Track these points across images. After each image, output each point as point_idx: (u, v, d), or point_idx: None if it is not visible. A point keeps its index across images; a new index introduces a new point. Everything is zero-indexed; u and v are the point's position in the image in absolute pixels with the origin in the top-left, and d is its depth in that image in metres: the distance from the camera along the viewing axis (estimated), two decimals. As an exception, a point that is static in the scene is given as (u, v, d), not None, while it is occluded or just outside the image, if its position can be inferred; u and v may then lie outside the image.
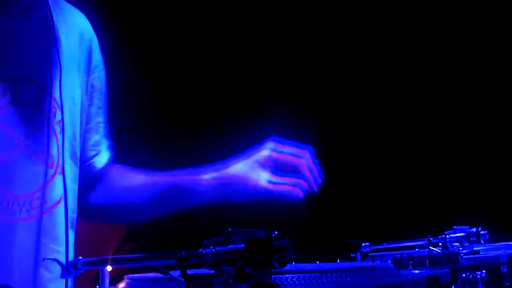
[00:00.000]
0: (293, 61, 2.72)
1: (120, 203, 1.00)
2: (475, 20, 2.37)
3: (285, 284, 0.56)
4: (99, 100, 1.01)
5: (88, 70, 0.98)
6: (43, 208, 0.86)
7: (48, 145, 0.88)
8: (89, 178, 1.00)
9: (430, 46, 2.48)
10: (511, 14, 2.31)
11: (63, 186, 0.88)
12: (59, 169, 0.88)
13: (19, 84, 0.85)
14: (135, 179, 1.01)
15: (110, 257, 0.62)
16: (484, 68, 2.40)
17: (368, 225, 2.34)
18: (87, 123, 0.99)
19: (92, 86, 0.99)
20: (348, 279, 0.57)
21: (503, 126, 2.38)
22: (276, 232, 0.50)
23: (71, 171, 0.92)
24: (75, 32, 0.97)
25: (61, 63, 0.91)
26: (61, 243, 0.89)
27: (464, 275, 0.76)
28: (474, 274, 0.78)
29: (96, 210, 1.00)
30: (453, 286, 0.73)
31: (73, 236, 0.92)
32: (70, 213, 0.88)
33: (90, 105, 0.99)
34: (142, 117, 2.92)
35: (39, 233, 0.86)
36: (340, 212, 2.55)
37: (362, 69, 2.62)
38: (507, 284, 0.86)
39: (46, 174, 0.87)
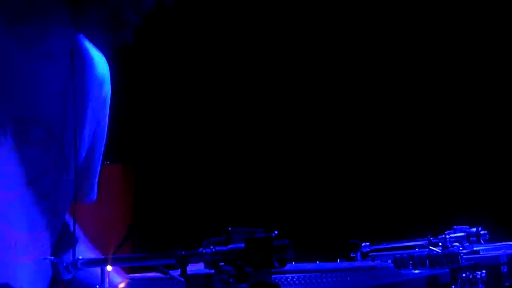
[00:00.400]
0: (293, 61, 2.72)
1: None
2: (475, 20, 2.37)
3: (285, 284, 0.56)
4: (98, 143, 1.01)
5: (98, 115, 0.98)
6: (41, 251, 0.88)
7: (51, 188, 0.88)
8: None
9: (430, 46, 2.48)
10: (511, 14, 2.31)
11: (55, 227, 0.89)
12: (57, 214, 0.89)
13: (30, 126, 0.85)
14: None
15: (110, 256, 0.62)
16: (484, 68, 2.40)
17: (368, 225, 2.34)
18: (86, 164, 0.99)
19: (98, 131, 0.99)
20: (348, 278, 0.57)
21: (503, 126, 2.38)
22: (276, 232, 0.50)
23: (63, 214, 0.93)
24: (93, 78, 0.96)
25: (77, 107, 0.90)
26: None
27: (464, 275, 0.76)
28: (474, 274, 0.78)
29: None
30: (453, 286, 0.73)
31: None
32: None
33: (93, 147, 0.99)
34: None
35: (39, 273, 0.87)
36: (340, 212, 2.55)
37: (363, 69, 2.62)
38: (507, 284, 0.86)
39: (45, 217, 0.88)
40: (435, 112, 2.50)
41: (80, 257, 0.63)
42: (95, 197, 1.04)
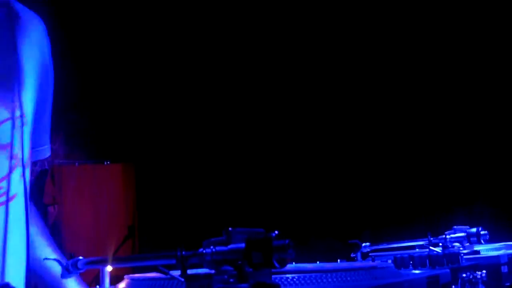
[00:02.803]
0: (293, 62, 2.72)
1: None
2: (475, 20, 2.37)
3: (286, 284, 0.56)
4: (49, 99, 1.02)
5: (40, 69, 1.00)
6: (8, 196, 0.88)
7: (12, 137, 0.89)
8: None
9: (430, 46, 2.48)
10: (511, 14, 2.31)
11: (23, 178, 0.89)
12: (20, 162, 0.90)
13: None
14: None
15: (111, 257, 0.62)
16: (486, 68, 2.40)
17: (368, 226, 2.34)
18: (39, 119, 1.00)
19: (43, 85, 1.01)
20: (349, 279, 0.57)
21: (503, 129, 2.38)
22: (276, 232, 0.50)
23: (29, 164, 0.93)
24: (30, 31, 0.98)
25: (19, 58, 0.92)
26: (20, 234, 0.90)
27: (464, 275, 0.76)
28: (475, 274, 0.78)
29: None
30: (453, 286, 0.73)
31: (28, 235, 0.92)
32: (28, 211, 0.89)
33: (42, 102, 1.00)
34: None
35: (6, 220, 0.86)
36: (340, 212, 2.55)
37: (363, 68, 2.61)
38: (507, 284, 0.86)
39: (10, 164, 0.88)
40: (436, 115, 2.49)
41: (81, 257, 0.63)
42: (49, 153, 1.04)
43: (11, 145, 0.89)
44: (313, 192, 2.63)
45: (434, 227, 1.01)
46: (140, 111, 2.95)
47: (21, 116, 0.91)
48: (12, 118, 0.90)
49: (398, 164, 2.51)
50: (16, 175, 0.90)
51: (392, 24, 2.52)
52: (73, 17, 2.51)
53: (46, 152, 1.02)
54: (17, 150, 0.90)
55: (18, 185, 0.90)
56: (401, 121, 2.54)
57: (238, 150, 2.81)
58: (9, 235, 0.88)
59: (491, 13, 2.35)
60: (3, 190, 0.87)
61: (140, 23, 2.77)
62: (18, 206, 0.90)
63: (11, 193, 0.89)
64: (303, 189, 2.66)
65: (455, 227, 0.99)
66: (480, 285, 0.79)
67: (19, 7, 0.99)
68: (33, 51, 0.97)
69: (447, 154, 2.45)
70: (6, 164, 0.88)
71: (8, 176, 0.88)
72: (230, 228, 0.53)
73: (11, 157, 0.89)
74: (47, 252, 0.99)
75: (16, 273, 0.88)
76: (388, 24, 2.53)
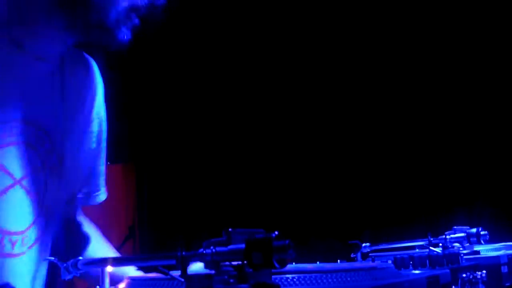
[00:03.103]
0: (292, 62, 2.72)
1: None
2: (475, 20, 2.37)
3: (286, 285, 0.56)
4: (101, 147, 1.03)
5: (91, 117, 1.00)
6: (29, 244, 0.89)
7: (40, 186, 0.90)
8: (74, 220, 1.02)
9: (430, 46, 2.48)
10: (511, 14, 2.31)
11: (46, 225, 0.91)
12: (45, 209, 0.91)
13: (20, 126, 0.87)
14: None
15: (111, 257, 0.62)
16: (486, 67, 2.40)
17: (369, 225, 2.34)
18: (91, 166, 1.01)
19: (94, 132, 1.01)
20: (349, 279, 0.58)
21: (503, 129, 2.38)
22: (276, 232, 0.50)
23: (57, 211, 0.95)
24: (83, 79, 0.98)
25: (66, 110, 0.93)
26: (40, 279, 0.92)
27: (464, 275, 0.76)
28: (475, 275, 0.78)
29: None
30: (453, 287, 0.73)
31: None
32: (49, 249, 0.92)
33: (93, 149, 1.01)
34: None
35: (24, 268, 0.88)
36: (340, 213, 2.55)
37: (363, 69, 2.62)
38: (508, 284, 0.86)
39: (34, 213, 0.89)
40: (435, 115, 2.50)
41: (81, 257, 0.64)
42: (104, 198, 1.06)
43: (39, 193, 0.89)
44: (313, 193, 2.63)
45: (434, 227, 1.01)
46: (140, 111, 2.95)
47: (54, 166, 0.91)
48: (43, 168, 0.90)
49: (398, 164, 2.51)
50: (40, 223, 0.90)
51: (392, 24, 2.52)
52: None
53: (102, 196, 1.05)
54: (42, 199, 0.90)
55: (41, 232, 0.90)
56: (401, 122, 2.55)
57: (238, 150, 2.82)
58: (30, 280, 0.88)
59: (491, 13, 2.35)
60: (28, 238, 0.88)
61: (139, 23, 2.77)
62: (41, 251, 0.90)
63: (32, 241, 0.89)
64: (303, 190, 2.66)
65: (455, 227, 0.99)
66: (480, 285, 0.79)
67: (76, 55, 0.97)
68: (83, 100, 0.97)
69: (447, 154, 2.45)
70: (33, 213, 0.89)
71: (33, 224, 0.89)
72: (230, 229, 0.53)
73: (38, 206, 0.89)
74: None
75: None
76: (388, 24, 2.53)
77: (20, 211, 0.87)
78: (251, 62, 2.76)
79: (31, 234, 0.89)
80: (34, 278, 0.90)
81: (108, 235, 1.10)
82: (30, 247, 0.88)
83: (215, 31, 2.76)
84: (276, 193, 2.68)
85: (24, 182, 0.87)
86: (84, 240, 1.02)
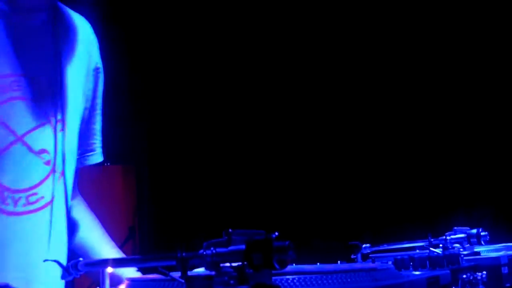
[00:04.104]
0: (293, 62, 2.72)
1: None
2: (475, 20, 2.37)
3: (286, 286, 0.56)
4: (96, 103, 1.02)
5: (87, 73, 0.99)
6: (42, 203, 0.86)
7: (47, 142, 0.88)
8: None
9: (430, 46, 2.48)
10: (511, 14, 2.31)
11: (64, 184, 0.89)
12: (56, 167, 0.89)
13: (21, 81, 0.86)
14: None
15: (111, 258, 0.62)
16: (486, 68, 2.40)
17: (369, 226, 2.34)
18: (85, 124, 1.00)
19: (90, 89, 1.00)
20: (349, 280, 0.57)
21: (503, 130, 2.38)
22: (276, 233, 0.50)
23: (69, 169, 0.92)
24: (77, 35, 0.98)
25: (63, 63, 0.92)
26: (61, 239, 0.89)
27: (464, 276, 0.76)
28: (475, 275, 0.78)
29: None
30: (453, 287, 0.73)
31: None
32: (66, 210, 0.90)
33: (88, 107, 1.00)
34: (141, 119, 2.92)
35: (39, 228, 0.86)
36: (341, 213, 2.55)
37: (364, 69, 2.62)
38: (508, 285, 0.86)
39: (43, 171, 0.87)
40: (437, 115, 2.49)
41: (81, 258, 0.64)
42: (100, 160, 1.03)
43: (46, 150, 0.87)
44: (313, 194, 2.63)
45: (434, 228, 1.01)
46: (141, 112, 2.95)
47: (58, 121, 0.89)
48: (49, 123, 0.88)
49: (398, 165, 2.51)
50: (53, 181, 0.88)
51: (392, 24, 2.52)
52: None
53: (97, 157, 1.01)
54: (52, 156, 0.88)
55: (55, 191, 0.88)
56: (401, 123, 2.55)
57: (238, 152, 2.82)
58: (50, 241, 0.86)
59: (491, 13, 2.35)
60: (38, 196, 0.86)
61: (139, 24, 2.77)
62: (56, 211, 0.89)
63: (48, 198, 0.87)
64: (303, 191, 2.66)
65: (455, 228, 0.99)
66: (480, 286, 0.79)
67: (64, 10, 0.97)
68: (78, 56, 0.96)
69: (447, 155, 2.45)
70: (42, 170, 0.87)
71: (43, 182, 0.87)
72: (230, 230, 0.53)
73: (47, 163, 0.87)
74: (111, 255, 0.99)
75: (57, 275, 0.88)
76: (388, 24, 2.53)
77: (24, 168, 0.84)
78: (252, 63, 2.76)
79: (43, 193, 0.86)
80: (48, 240, 0.87)
81: (108, 236, 1.10)
82: (42, 207, 0.86)
83: (215, 32, 2.76)
84: (276, 194, 2.68)
85: (27, 139, 0.85)
86: (72, 226, 0.99)
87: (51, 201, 0.88)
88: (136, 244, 2.85)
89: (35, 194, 0.86)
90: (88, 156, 1.01)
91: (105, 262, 0.60)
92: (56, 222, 0.89)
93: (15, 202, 0.84)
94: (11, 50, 0.86)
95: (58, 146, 0.89)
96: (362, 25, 2.58)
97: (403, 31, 2.50)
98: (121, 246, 2.81)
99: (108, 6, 2.58)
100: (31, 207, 0.85)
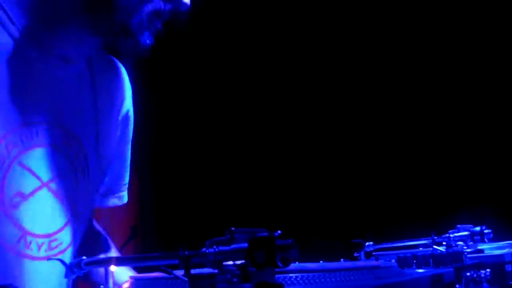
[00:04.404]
0: (294, 61, 2.72)
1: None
2: (475, 20, 2.37)
3: (289, 284, 0.56)
4: (124, 150, 1.03)
5: (118, 120, 1.01)
6: (59, 249, 0.89)
7: (69, 189, 0.90)
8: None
9: (430, 46, 2.48)
10: (511, 14, 2.30)
11: (77, 229, 0.92)
12: (75, 213, 0.91)
13: (48, 128, 0.88)
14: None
15: (114, 257, 0.62)
16: (488, 67, 2.39)
17: (372, 224, 2.34)
18: (111, 169, 1.02)
19: (119, 136, 1.02)
20: (352, 278, 0.57)
21: (506, 125, 2.37)
22: (279, 232, 0.50)
23: (85, 215, 0.95)
24: (112, 83, 0.99)
25: (97, 111, 0.94)
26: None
27: (468, 274, 0.76)
28: (479, 273, 0.78)
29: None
30: (457, 285, 0.73)
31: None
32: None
33: (115, 154, 1.01)
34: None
35: (53, 273, 0.88)
36: (343, 211, 2.55)
37: (365, 68, 2.61)
38: (512, 282, 0.86)
39: (64, 217, 0.90)
40: (439, 111, 2.49)
41: (84, 257, 0.64)
42: (126, 200, 1.06)
43: (68, 197, 0.90)
44: (316, 192, 2.63)
45: (438, 226, 1.01)
46: (143, 111, 2.95)
47: (84, 169, 0.92)
48: (74, 171, 0.90)
49: (401, 162, 2.51)
50: (71, 227, 0.90)
51: (392, 24, 2.52)
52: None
53: (122, 199, 1.05)
54: (73, 203, 0.90)
55: (72, 237, 0.91)
56: (404, 120, 2.54)
57: (240, 150, 2.82)
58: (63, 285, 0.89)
59: (491, 13, 2.34)
60: (58, 242, 0.88)
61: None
62: (70, 257, 0.90)
63: (66, 244, 0.90)
64: (305, 189, 2.66)
65: (458, 225, 0.99)
66: (484, 284, 0.79)
67: (106, 59, 0.98)
68: (112, 104, 0.98)
69: (450, 152, 2.44)
70: (62, 216, 0.89)
71: (64, 228, 0.89)
72: (232, 228, 0.53)
73: (68, 210, 0.90)
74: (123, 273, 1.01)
75: None
76: (388, 24, 2.53)
77: (48, 214, 0.87)
78: (254, 63, 2.76)
79: (62, 238, 0.89)
80: (61, 283, 0.89)
81: (110, 235, 1.10)
82: (61, 252, 0.88)
83: (215, 34, 2.76)
84: (279, 192, 2.68)
85: (52, 185, 0.87)
86: (103, 249, 1.03)
87: (68, 247, 0.91)
88: (139, 243, 2.86)
89: (55, 240, 0.88)
90: (111, 198, 1.04)
91: (108, 260, 0.60)
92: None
93: (39, 248, 0.86)
94: (45, 98, 0.87)
95: (80, 194, 0.92)
96: (362, 25, 2.58)
97: (403, 31, 2.49)
98: (123, 245, 2.83)
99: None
100: (52, 252, 0.88)
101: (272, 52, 2.72)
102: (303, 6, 2.64)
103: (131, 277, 0.68)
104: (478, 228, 0.97)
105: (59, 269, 0.88)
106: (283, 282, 0.55)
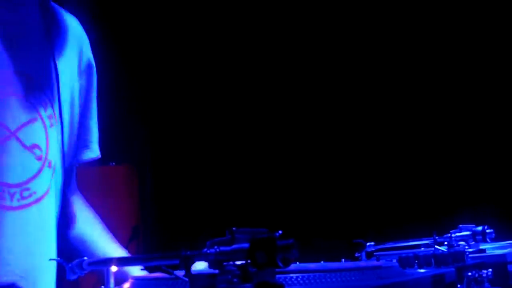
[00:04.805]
0: (296, 62, 2.71)
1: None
2: (475, 20, 2.36)
3: (290, 284, 0.55)
4: (89, 99, 1.01)
5: (79, 70, 0.99)
6: (33, 199, 0.87)
7: (38, 137, 0.88)
8: (70, 182, 1.01)
9: (430, 46, 2.47)
10: (511, 14, 2.30)
11: (51, 179, 0.89)
12: (47, 162, 0.89)
13: (13, 77, 0.87)
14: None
15: (115, 257, 0.62)
16: (491, 67, 2.39)
17: (373, 224, 2.34)
18: (80, 120, 1.00)
19: (83, 86, 1.00)
20: (353, 278, 0.57)
21: (509, 127, 2.36)
22: (280, 232, 0.50)
23: (59, 165, 0.93)
24: (68, 32, 0.98)
25: (55, 60, 0.92)
26: (50, 235, 0.90)
27: (470, 273, 0.75)
28: (480, 273, 0.78)
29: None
30: (458, 285, 0.72)
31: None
32: (57, 206, 0.90)
33: (81, 103, 1.00)
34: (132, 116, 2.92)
35: (29, 223, 0.87)
36: (344, 211, 2.54)
37: (367, 68, 2.61)
38: (514, 282, 0.86)
39: (35, 166, 0.88)
40: (441, 112, 2.48)
41: (85, 258, 0.64)
42: (98, 154, 1.02)
43: (38, 146, 0.88)
44: (317, 192, 2.63)
45: (439, 226, 1.00)
46: (144, 112, 2.95)
47: (49, 117, 0.90)
48: (41, 119, 0.89)
49: (403, 163, 2.50)
50: (45, 176, 0.89)
51: (392, 24, 2.52)
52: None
53: (91, 153, 1.01)
54: (44, 151, 0.89)
55: (47, 187, 0.89)
56: (406, 121, 2.54)
57: (240, 150, 2.81)
58: (39, 237, 0.87)
59: (491, 13, 2.34)
60: (30, 191, 0.87)
61: (141, 24, 2.77)
62: (47, 207, 0.89)
63: (39, 194, 0.88)
64: (306, 189, 2.65)
65: (460, 225, 0.99)
66: (486, 284, 0.78)
67: (56, 8, 0.97)
68: (70, 53, 0.96)
69: (452, 152, 2.44)
70: (33, 165, 0.87)
71: (35, 177, 0.88)
72: (233, 228, 0.53)
73: (39, 158, 0.88)
74: (112, 248, 0.98)
75: (47, 270, 0.88)
76: (388, 24, 2.53)
77: (17, 163, 0.86)
78: (256, 63, 2.76)
79: (35, 188, 0.87)
80: (41, 234, 0.88)
81: (112, 235, 1.10)
82: (36, 201, 0.87)
83: (216, 32, 2.76)
84: (280, 192, 2.68)
85: (20, 134, 0.86)
86: (70, 220, 0.99)
87: (43, 197, 0.89)
88: (140, 243, 2.86)
89: (27, 189, 0.87)
90: (82, 152, 1.01)
91: (109, 261, 0.60)
92: (45, 218, 0.89)
93: (12, 197, 0.85)
94: (2, 47, 0.86)
95: (50, 142, 0.89)
96: (362, 25, 2.57)
97: (403, 31, 2.49)
98: (125, 246, 2.82)
99: (109, 7, 2.58)
100: (24, 202, 0.86)
101: (272, 52, 2.72)
102: (303, 6, 2.64)
103: (132, 277, 0.68)
104: (480, 228, 0.97)
105: (36, 219, 0.87)
106: (283, 282, 0.55)
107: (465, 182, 2.34)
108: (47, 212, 0.89)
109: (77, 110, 0.98)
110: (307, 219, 2.55)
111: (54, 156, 0.91)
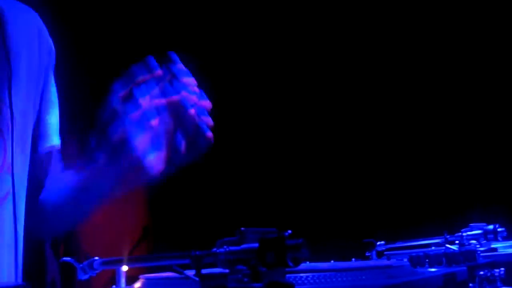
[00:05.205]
0: (304, 62, 2.71)
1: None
2: (475, 20, 2.34)
3: (300, 283, 0.55)
4: (47, 96, 0.99)
5: (40, 65, 0.97)
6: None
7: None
8: (39, 169, 0.99)
9: (430, 46, 2.45)
10: (511, 14, 2.27)
11: (11, 183, 0.88)
12: (5, 167, 0.89)
13: None
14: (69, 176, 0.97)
15: (126, 257, 0.62)
16: (496, 66, 2.36)
17: (383, 224, 2.32)
18: (39, 118, 0.98)
19: (39, 83, 0.98)
20: (364, 277, 0.57)
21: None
22: (289, 231, 0.50)
23: (21, 167, 0.91)
24: (25, 28, 0.95)
25: (10, 60, 0.89)
26: (7, 239, 0.89)
27: (481, 272, 0.75)
28: (492, 272, 0.77)
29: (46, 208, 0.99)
30: (470, 284, 0.72)
31: (22, 233, 0.91)
32: (17, 210, 0.89)
33: (42, 99, 0.98)
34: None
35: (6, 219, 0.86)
36: (355, 211, 2.53)
37: (369, 67, 2.59)
38: (526, 281, 0.85)
39: None
40: (452, 111, 2.46)
41: (96, 258, 0.64)
42: (58, 143, 0.99)
43: None
44: (327, 191, 2.62)
45: (450, 225, 0.99)
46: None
47: (10, 119, 0.89)
48: None
49: (414, 162, 2.49)
50: (3, 180, 0.88)
51: (392, 24, 2.50)
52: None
53: (54, 141, 0.98)
54: (1, 156, 0.88)
55: (7, 186, 0.88)
56: (417, 120, 2.52)
57: (249, 150, 2.81)
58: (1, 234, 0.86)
59: (491, 13, 2.31)
60: None
61: (141, 25, 2.78)
62: (8, 206, 0.88)
63: (1, 194, 0.87)
64: (316, 188, 2.65)
65: (471, 224, 0.98)
66: (498, 283, 0.78)
67: (9, 2, 0.95)
68: (25, 48, 0.94)
69: (463, 151, 2.42)
70: None
71: None
72: (243, 228, 0.53)
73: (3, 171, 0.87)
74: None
75: (7, 269, 0.87)
76: (388, 24, 2.51)
77: None
78: (259, 63, 2.76)
79: None
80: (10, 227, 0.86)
81: (122, 236, 1.10)
82: None
83: (217, 32, 2.76)
84: (289, 192, 2.68)
85: None
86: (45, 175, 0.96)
87: (5, 197, 0.87)
88: (150, 243, 2.87)
89: None
90: (42, 142, 0.97)
91: (120, 261, 0.60)
92: (5, 218, 0.87)
93: None
94: None
95: (8, 146, 0.88)
96: (362, 25, 2.56)
97: (403, 31, 2.47)
98: (135, 246, 2.84)
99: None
100: None
101: (272, 52, 2.71)
102: (303, 6, 2.63)
103: (143, 277, 0.68)
104: (491, 227, 0.96)
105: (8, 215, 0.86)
106: (294, 281, 0.55)
107: (476, 181, 2.32)
108: (5, 216, 0.87)
109: (35, 106, 0.95)
110: (317, 219, 2.54)
111: (16, 158, 0.89)
